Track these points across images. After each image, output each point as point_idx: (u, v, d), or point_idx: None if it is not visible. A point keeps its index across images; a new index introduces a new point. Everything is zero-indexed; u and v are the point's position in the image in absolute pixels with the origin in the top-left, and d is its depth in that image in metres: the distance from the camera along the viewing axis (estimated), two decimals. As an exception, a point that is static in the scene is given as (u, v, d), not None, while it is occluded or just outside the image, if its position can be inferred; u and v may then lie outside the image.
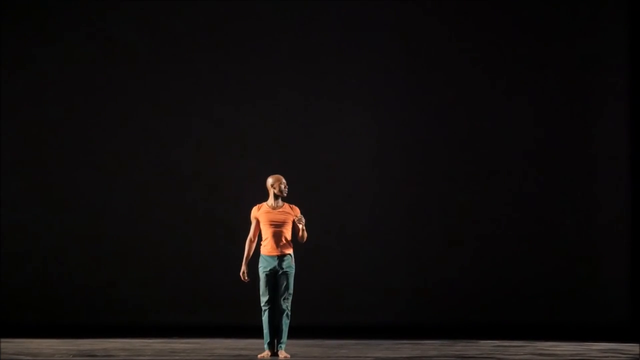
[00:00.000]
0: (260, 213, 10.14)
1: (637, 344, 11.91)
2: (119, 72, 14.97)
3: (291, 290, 10.14)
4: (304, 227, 10.07)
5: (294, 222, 10.13)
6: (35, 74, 14.92)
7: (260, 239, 10.18)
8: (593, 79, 15.18)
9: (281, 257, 10.11)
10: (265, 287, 10.11)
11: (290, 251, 10.14)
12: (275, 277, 10.10)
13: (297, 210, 10.19)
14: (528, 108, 15.16)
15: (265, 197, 10.20)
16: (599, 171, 15.17)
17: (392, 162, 15.11)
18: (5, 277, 14.58)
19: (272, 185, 10.18)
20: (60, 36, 14.96)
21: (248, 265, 10.18)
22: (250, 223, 10.18)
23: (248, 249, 10.20)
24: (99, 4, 14.97)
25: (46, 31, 14.95)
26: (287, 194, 10.18)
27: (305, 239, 10.15)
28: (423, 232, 15.03)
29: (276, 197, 10.15)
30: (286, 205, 10.18)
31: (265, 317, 10.11)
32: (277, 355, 10.13)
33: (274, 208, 10.16)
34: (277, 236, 10.09)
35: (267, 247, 10.12)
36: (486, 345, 12.05)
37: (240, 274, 10.18)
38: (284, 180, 10.19)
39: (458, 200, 15.09)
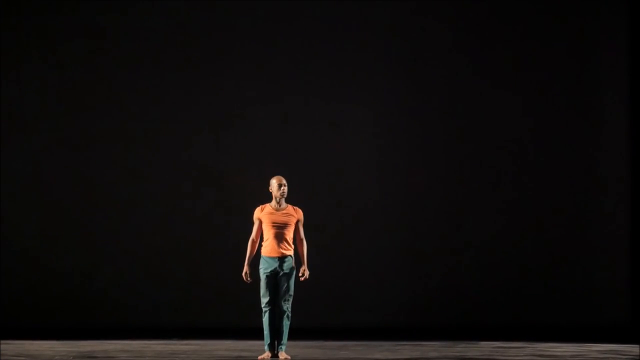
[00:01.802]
0: (264, 214, 10.12)
1: (637, 345, 11.92)
2: (121, 72, 14.95)
3: (292, 292, 10.13)
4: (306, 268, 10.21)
5: (296, 224, 10.15)
6: (35, 73, 14.90)
7: (261, 239, 10.18)
8: (593, 79, 15.17)
9: (282, 259, 10.09)
10: (266, 288, 10.10)
11: (291, 253, 10.13)
12: (275, 279, 10.09)
13: (301, 213, 10.18)
14: (528, 109, 15.15)
15: (269, 198, 10.20)
16: (599, 171, 15.16)
17: (392, 163, 15.09)
18: (5, 279, 14.55)
19: (272, 188, 10.18)
20: (61, 35, 14.96)
21: (250, 265, 10.18)
22: (253, 223, 10.19)
23: (250, 249, 10.18)
24: (99, 3, 14.97)
25: (47, 31, 14.95)
26: (289, 195, 10.17)
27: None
28: (423, 233, 15.02)
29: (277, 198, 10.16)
30: (290, 207, 10.17)
31: (265, 319, 10.10)
32: (278, 357, 10.12)
33: (277, 209, 10.14)
34: (278, 237, 10.07)
35: (268, 248, 10.11)
36: (486, 347, 12.05)
37: (243, 274, 10.16)
38: (284, 182, 10.16)
39: (458, 201, 15.08)
